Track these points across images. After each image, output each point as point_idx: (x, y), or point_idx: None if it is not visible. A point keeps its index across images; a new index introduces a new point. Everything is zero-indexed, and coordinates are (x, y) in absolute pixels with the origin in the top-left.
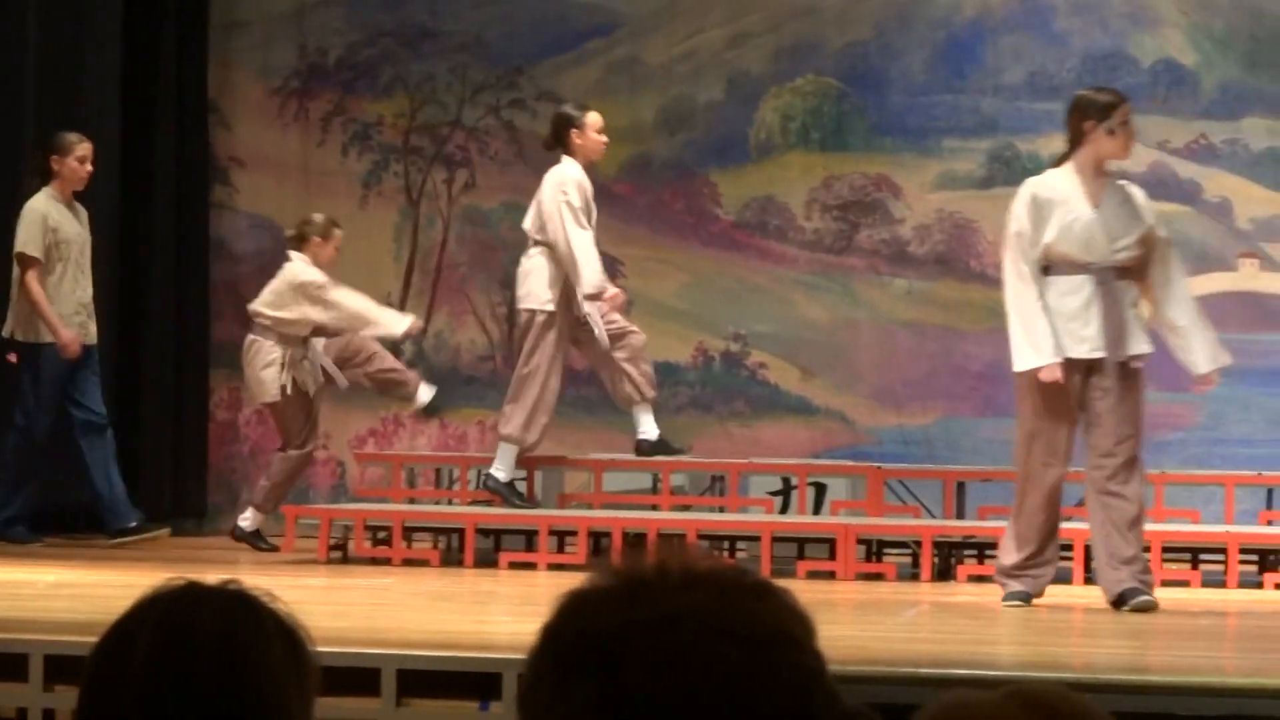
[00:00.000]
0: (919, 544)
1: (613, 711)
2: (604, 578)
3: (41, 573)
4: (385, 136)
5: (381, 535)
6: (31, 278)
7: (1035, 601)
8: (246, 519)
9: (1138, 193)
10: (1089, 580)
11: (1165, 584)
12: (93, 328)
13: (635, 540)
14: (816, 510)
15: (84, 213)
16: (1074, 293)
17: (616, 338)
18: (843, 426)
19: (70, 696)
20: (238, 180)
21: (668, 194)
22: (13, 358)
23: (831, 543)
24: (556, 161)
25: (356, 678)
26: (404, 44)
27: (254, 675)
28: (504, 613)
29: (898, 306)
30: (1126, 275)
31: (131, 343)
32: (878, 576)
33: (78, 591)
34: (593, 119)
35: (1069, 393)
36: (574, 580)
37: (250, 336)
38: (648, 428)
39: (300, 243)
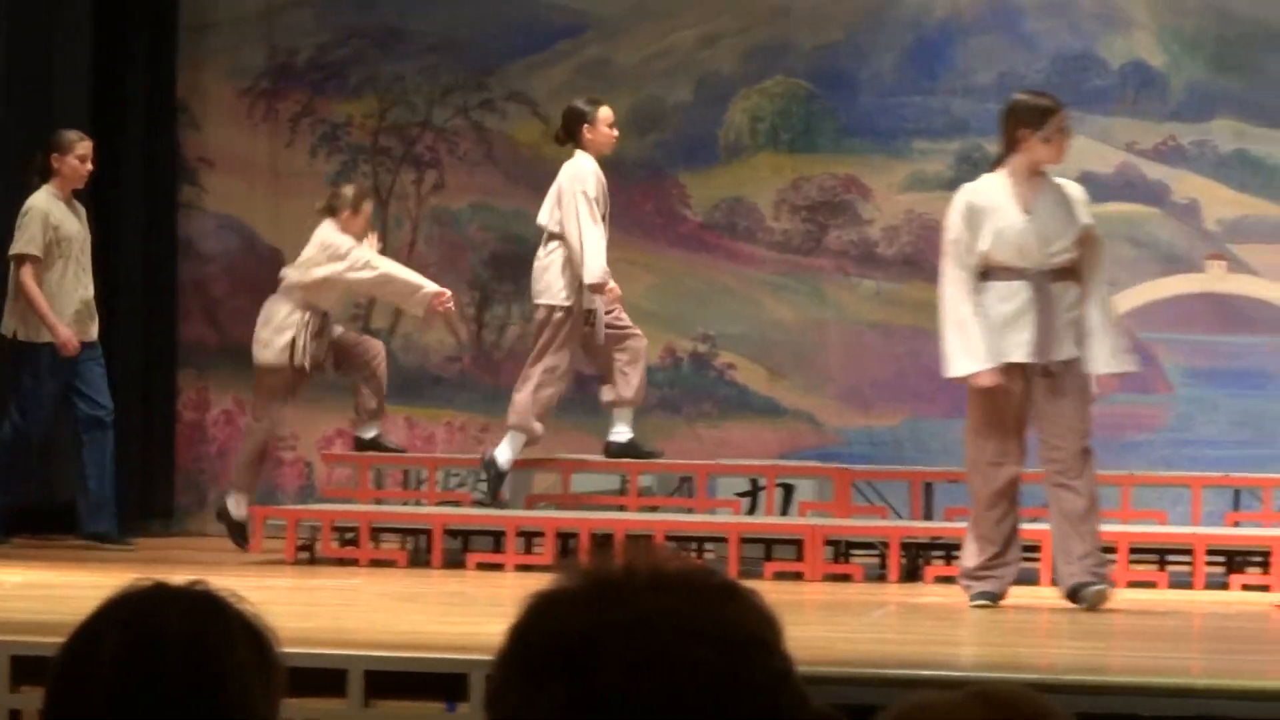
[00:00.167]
0: (886, 545)
1: (581, 713)
2: (572, 579)
3: (9, 573)
4: (354, 137)
5: (349, 536)
6: (27, 275)
7: (1001, 602)
8: (232, 502)
9: (1075, 192)
10: (1055, 581)
11: (1132, 585)
12: (94, 325)
13: (603, 541)
14: (784, 511)
15: (83, 210)
16: (1010, 298)
17: (620, 338)
18: (811, 427)
19: (36, 697)
20: (206, 181)
21: (637, 195)
22: None
23: (799, 544)
24: (569, 156)
25: (323, 678)
26: (373, 45)
27: (221, 676)
28: (471, 613)
29: (866, 308)
30: (1066, 277)
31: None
32: (845, 578)
33: (45, 592)
34: (604, 113)
35: (1013, 395)
36: (542, 581)
37: (273, 297)
38: (621, 430)
39: (331, 215)
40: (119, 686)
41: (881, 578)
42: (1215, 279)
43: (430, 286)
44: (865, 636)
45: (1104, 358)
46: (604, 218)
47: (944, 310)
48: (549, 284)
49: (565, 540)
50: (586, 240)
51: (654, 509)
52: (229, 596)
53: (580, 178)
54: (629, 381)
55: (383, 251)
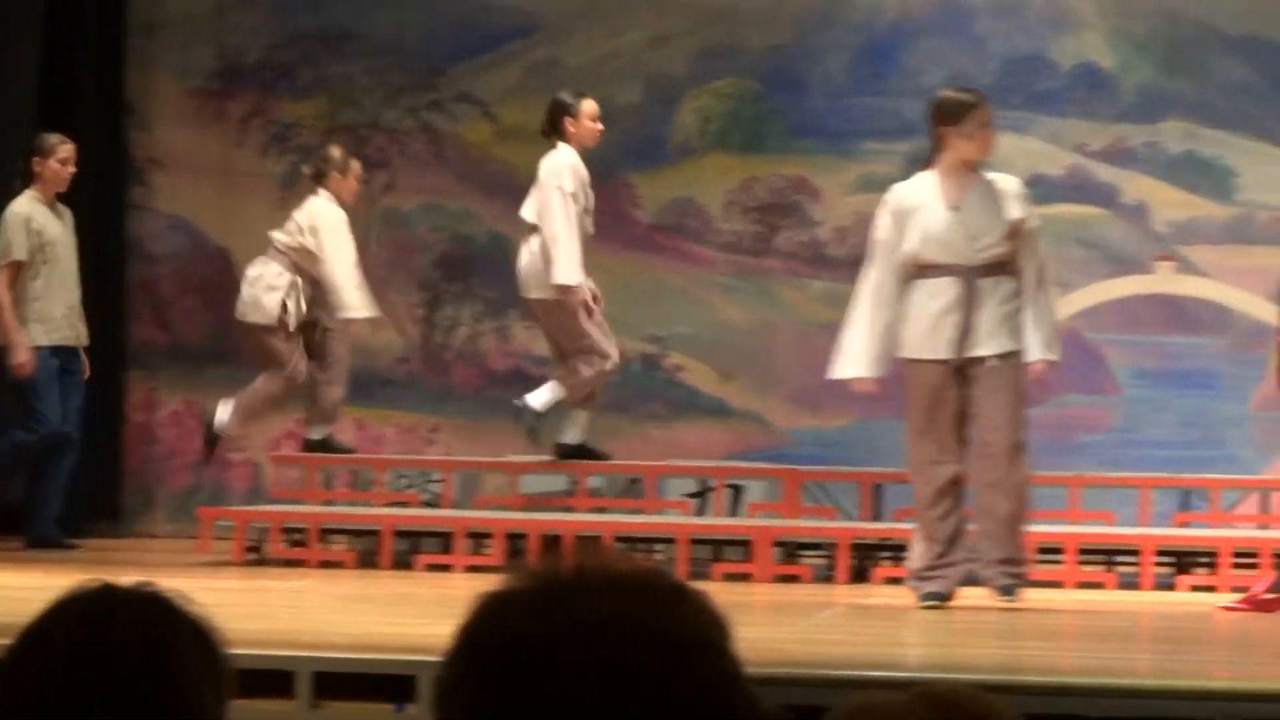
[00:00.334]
0: (835, 546)
1: (530, 715)
2: (521, 581)
3: None
4: (304, 138)
5: (297, 537)
6: (2, 282)
7: (950, 602)
8: (223, 408)
9: (1008, 186)
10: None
11: (1080, 585)
12: (83, 329)
13: (552, 543)
14: (733, 512)
15: (68, 214)
16: (939, 295)
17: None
18: (760, 428)
19: None
20: (156, 181)
21: None
22: None
23: (748, 545)
24: (552, 148)
25: (271, 680)
26: (323, 46)
27: (169, 677)
28: (420, 615)
29: (816, 308)
30: (998, 272)
31: None
32: (794, 579)
33: None
34: (588, 106)
35: (947, 393)
36: (491, 583)
37: (262, 257)
38: (573, 433)
39: (320, 180)
40: (67, 688)
41: (830, 579)
42: (1164, 280)
43: (353, 311)
44: (814, 637)
45: (1035, 346)
46: (587, 211)
47: (850, 310)
48: (536, 277)
49: (514, 542)
50: (560, 238)
51: (603, 510)
52: (177, 598)
53: (557, 172)
54: (586, 383)
55: None
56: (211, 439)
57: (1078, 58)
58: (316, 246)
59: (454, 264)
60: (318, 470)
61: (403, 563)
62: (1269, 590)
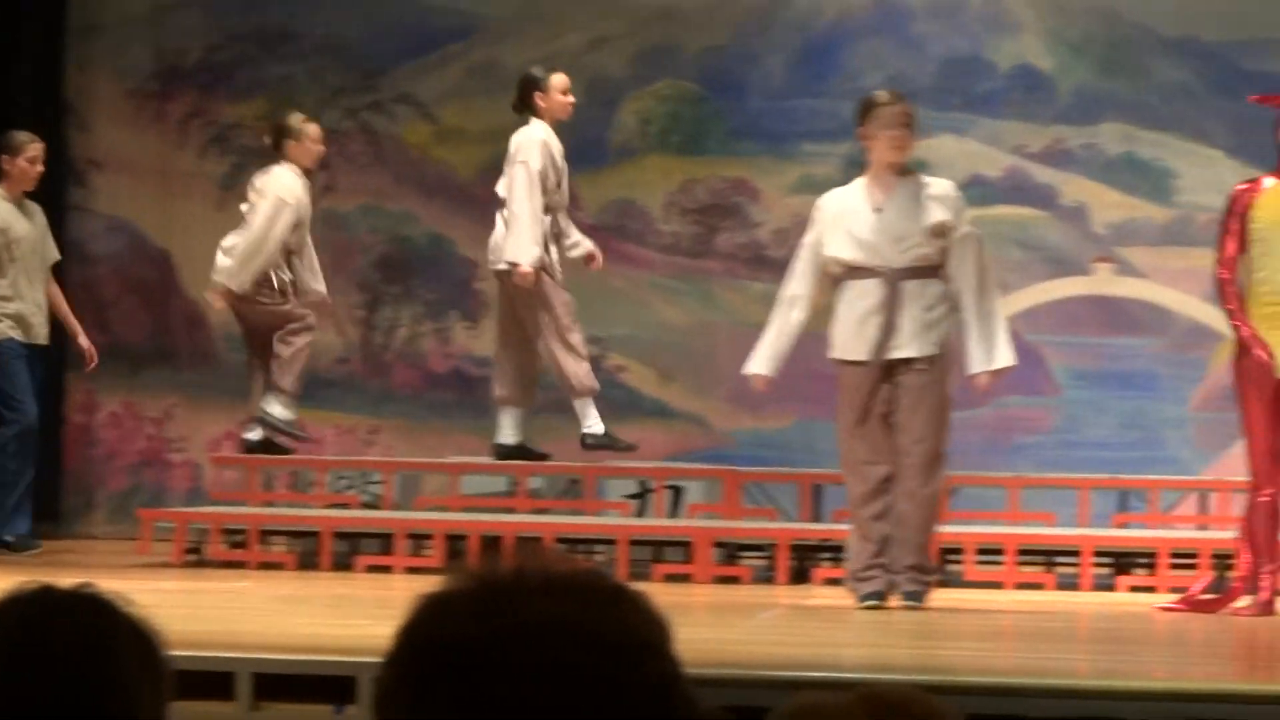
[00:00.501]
0: (775, 547)
1: (469, 717)
2: (461, 582)
3: None
4: (244, 139)
5: (237, 538)
6: None
7: (888, 601)
8: (277, 407)
9: (939, 189)
10: (942, 583)
11: (1020, 586)
12: (46, 329)
13: (492, 544)
14: (673, 513)
15: (38, 211)
16: (864, 297)
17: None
18: (700, 429)
19: None
20: (95, 182)
21: None
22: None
23: (688, 546)
24: (525, 124)
25: (211, 681)
26: (262, 46)
27: (108, 679)
28: (360, 616)
29: (755, 310)
30: (923, 275)
31: None
32: (734, 580)
33: None
34: (557, 80)
35: (873, 393)
36: (430, 584)
37: (235, 231)
38: (508, 433)
39: (279, 148)
40: (5, 690)
41: (770, 579)
42: (1103, 281)
43: (230, 282)
44: (754, 638)
45: (977, 358)
46: (559, 185)
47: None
48: (497, 251)
49: (454, 543)
50: (517, 218)
51: (543, 511)
52: (117, 599)
53: (524, 148)
54: (523, 380)
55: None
56: (282, 439)
57: (1016, 59)
58: (250, 213)
59: (393, 265)
60: (258, 471)
61: (343, 564)
62: (1207, 590)
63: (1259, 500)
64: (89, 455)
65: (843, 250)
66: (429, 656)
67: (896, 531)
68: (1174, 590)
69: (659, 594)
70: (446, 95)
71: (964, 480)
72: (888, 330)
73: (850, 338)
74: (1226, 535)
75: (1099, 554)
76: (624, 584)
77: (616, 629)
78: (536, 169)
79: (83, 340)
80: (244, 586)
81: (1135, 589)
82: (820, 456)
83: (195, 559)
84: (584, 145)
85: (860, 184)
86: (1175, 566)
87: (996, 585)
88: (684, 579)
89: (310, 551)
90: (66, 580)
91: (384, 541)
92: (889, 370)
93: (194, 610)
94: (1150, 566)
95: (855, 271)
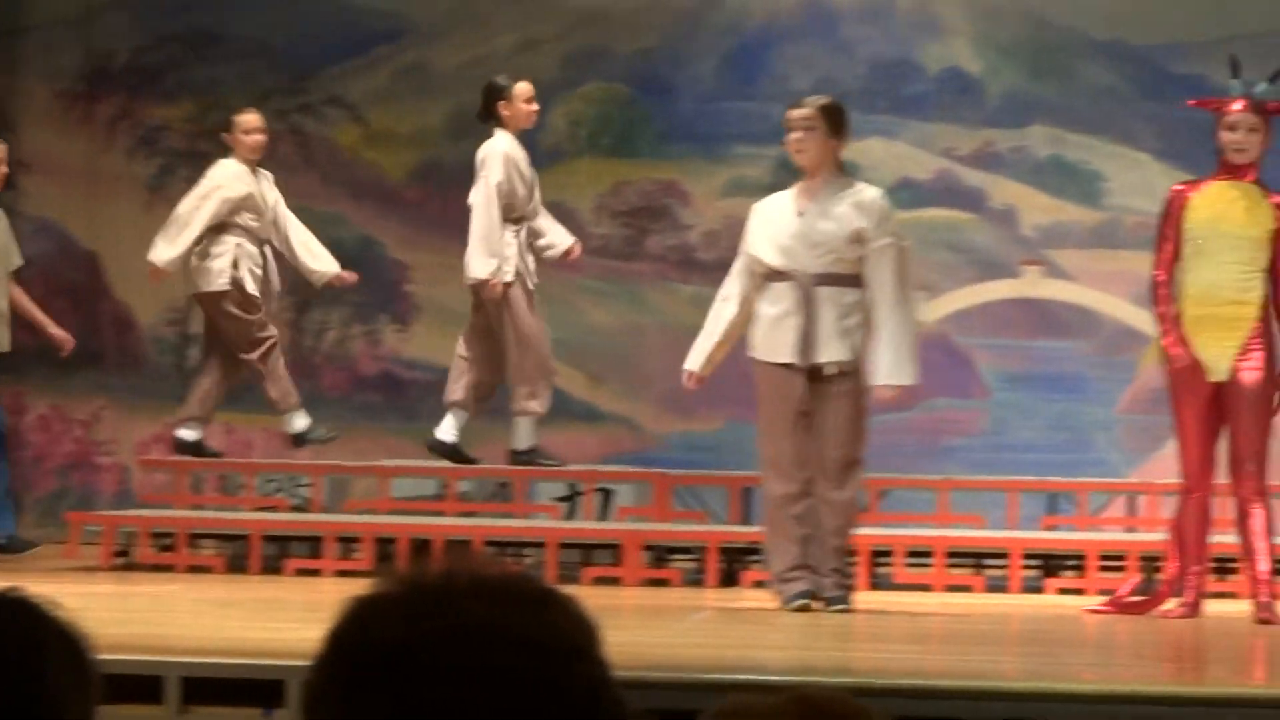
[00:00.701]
0: (705, 550)
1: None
2: (390, 585)
3: None
4: (172, 141)
5: (166, 542)
6: None
7: (815, 600)
8: (299, 422)
9: (865, 197)
10: (873, 586)
11: (949, 589)
12: (8, 334)
13: (421, 547)
14: (603, 516)
15: (2, 216)
16: (778, 300)
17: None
18: (630, 432)
19: None
20: (23, 184)
21: (456, 199)
22: None
23: (617, 549)
24: (489, 135)
25: (140, 685)
26: (191, 48)
27: (35, 683)
28: (289, 619)
29: (685, 312)
30: (841, 282)
31: None
32: (663, 582)
33: None
34: (521, 89)
35: (790, 394)
36: (360, 587)
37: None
38: (449, 432)
39: (225, 141)
40: None
41: (700, 582)
42: (1031, 284)
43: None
44: (684, 641)
45: (882, 369)
46: (529, 196)
47: None
48: (470, 261)
49: (383, 546)
50: (475, 234)
51: (472, 514)
52: (45, 603)
53: (487, 162)
54: (468, 384)
55: None
56: (299, 440)
57: (945, 63)
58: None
59: None
60: (186, 474)
61: (272, 567)
62: (1135, 592)
63: (1190, 502)
64: (16, 459)
65: (763, 252)
66: (358, 659)
67: (816, 536)
68: (1102, 592)
69: (588, 597)
70: (376, 97)
71: (893, 483)
72: (804, 334)
73: (766, 339)
74: (1155, 537)
75: (1028, 556)
76: (553, 587)
77: (545, 632)
78: (496, 183)
79: (54, 330)
80: (172, 590)
81: (1064, 591)
82: (750, 459)
83: (124, 562)
84: None
85: (792, 190)
86: (1104, 569)
87: (925, 588)
88: (613, 582)
89: (239, 554)
90: None
91: (313, 544)
92: (809, 375)
93: (122, 613)
94: (1079, 569)
95: (774, 274)
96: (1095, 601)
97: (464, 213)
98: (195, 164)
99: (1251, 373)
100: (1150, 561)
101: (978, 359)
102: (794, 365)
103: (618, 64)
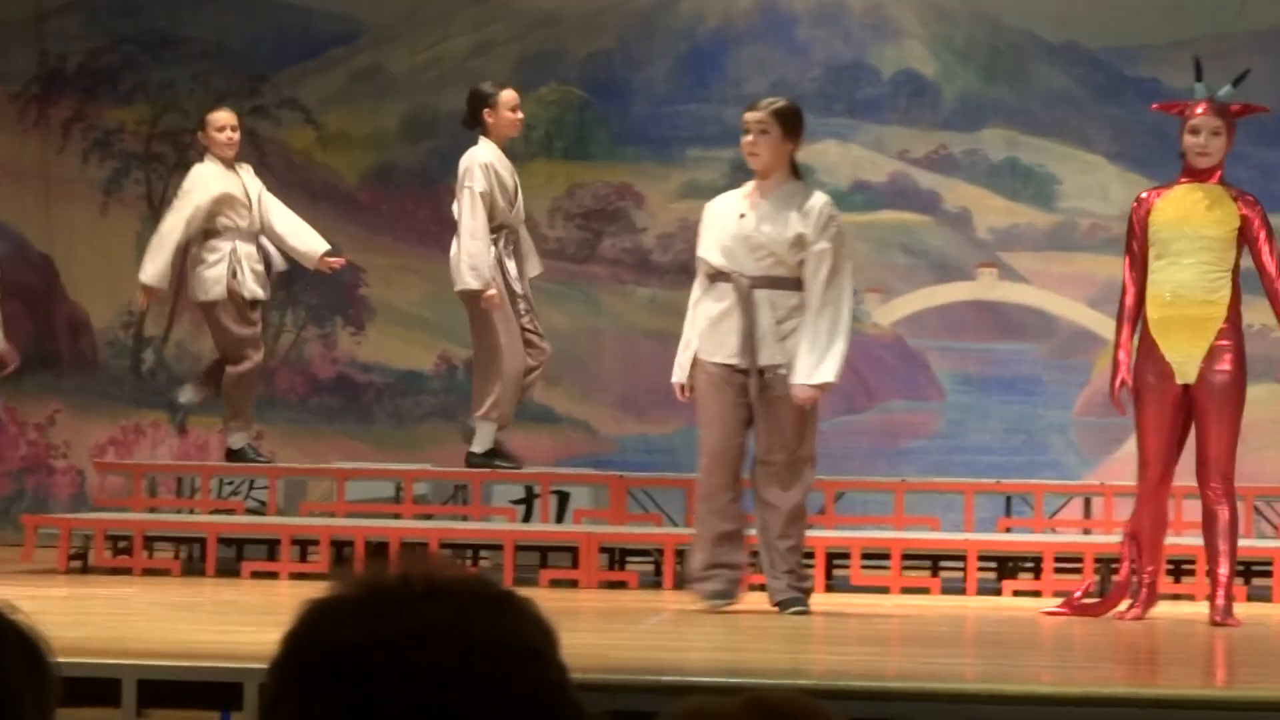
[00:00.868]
0: (661, 552)
1: None
2: (346, 588)
3: None
4: (126, 143)
5: (122, 545)
6: None
7: (733, 602)
8: (233, 438)
9: (812, 202)
10: (830, 588)
11: (905, 591)
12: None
13: (378, 549)
14: (559, 519)
15: None
16: (719, 301)
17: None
18: (585, 435)
19: None
20: None
21: (411, 202)
22: None
23: (574, 551)
24: (474, 142)
25: (97, 688)
26: (145, 51)
27: None
28: (246, 622)
29: (641, 315)
30: (779, 285)
31: None
32: (620, 585)
33: None
34: (506, 96)
35: (728, 394)
36: (316, 590)
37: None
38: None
39: (200, 147)
40: None
41: (656, 584)
42: (986, 287)
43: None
44: (641, 643)
45: (801, 370)
46: (511, 202)
47: None
48: (454, 271)
49: (340, 548)
50: (463, 245)
51: (429, 517)
52: (1, 606)
53: (468, 171)
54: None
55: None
56: (232, 455)
57: (899, 65)
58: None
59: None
60: (143, 477)
61: (228, 570)
62: (1090, 594)
63: (1148, 502)
64: None
65: (708, 253)
66: (314, 662)
67: (762, 538)
68: (1058, 594)
69: (545, 599)
70: (330, 100)
71: (849, 485)
72: (743, 336)
73: (706, 339)
74: (1111, 539)
75: (984, 558)
76: (510, 590)
77: (502, 635)
78: (479, 191)
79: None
80: (129, 592)
81: (1020, 593)
82: None
83: (80, 565)
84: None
85: (743, 191)
86: (1060, 570)
87: (882, 590)
88: (570, 584)
89: (195, 557)
90: None
91: (269, 547)
92: (751, 376)
93: (79, 617)
94: (1035, 571)
95: (718, 275)
96: (1052, 603)
97: (419, 216)
98: (150, 166)
99: (1220, 375)
100: (1106, 563)
101: (933, 361)
102: (733, 365)
103: (572, 67)
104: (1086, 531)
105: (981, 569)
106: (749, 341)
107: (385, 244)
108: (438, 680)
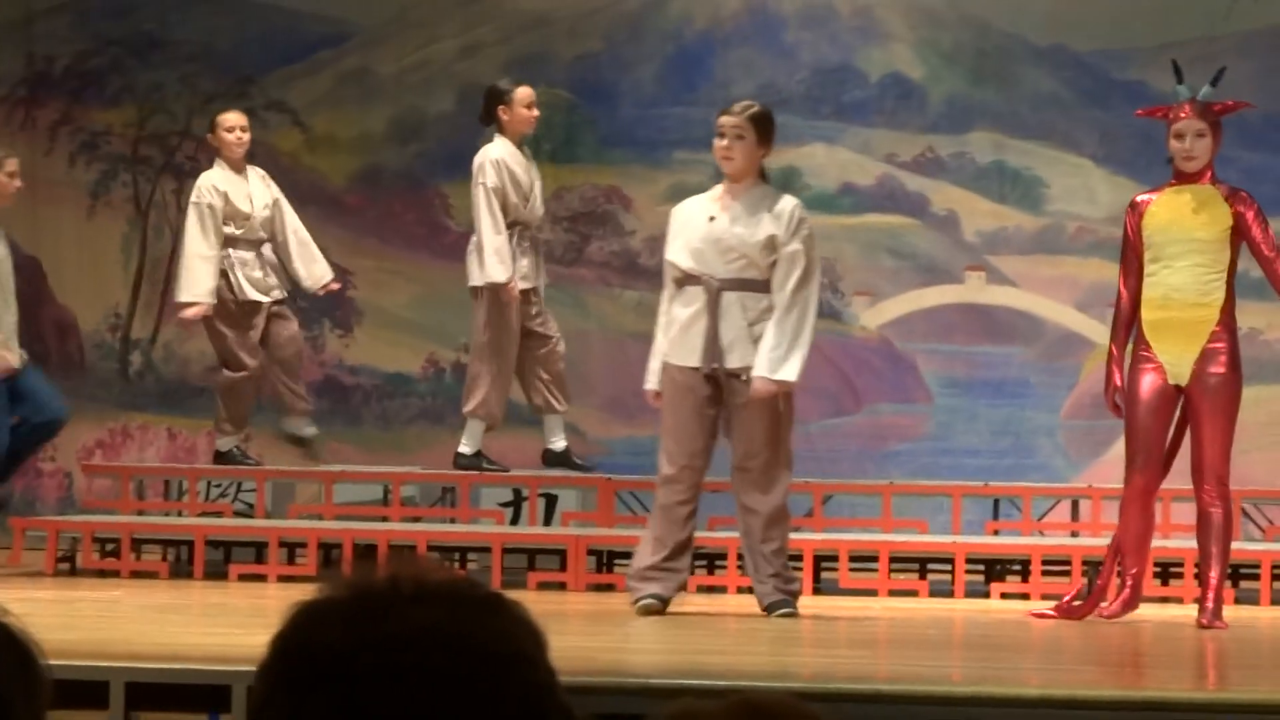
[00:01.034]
0: None
1: None
2: (335, 590)
3: None
4: (113, 146)
5: (110, 547)
6: None
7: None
8: (221, 441)
9: (781, 206)
10: (817, 591)
11: (893, 594)
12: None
13: (366, 552)
14: (547, 522)
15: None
16: (688, 304)
17: (539, 339)
18: (573, 437)
19: None
20: None
21: (399, 205)
22: None
23: (562, 554)
24: (489, 139)
25: (85, 690)
26: (132, 53)
27: None
28: (234, 625)
29: (628, 318)
30: (748, 288)
31: None
32: (609, 587)
33: None
34: (521, 93)
35: (694, 396)
36: (305, 592)
37: None
38: (557, 437)
39: (211, 149)
40: None
41: None
42: (974, 290)
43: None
44: (629, 646)
45: (763, 364)
46: (526, 198)
47: None
48: (470, 268)
49: (328, 551)
50: (483, 239)
51: (417, 519)
52: None
53: (480, 168)
54: (549, 385)
55: (143, 263)
56: (220, 457)
57: (887, 68)
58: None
59: None
60: (130, 480)
61: (216, 572)
62: (1077, 597)
63: (1134, 502)
64: None
65: (677, 256)
66: (303, 665)
67: (746, 542)
68: (1046, 597)
69: (533, 602)
70: (317, 102)
71: (837, 487)
72: (712, 339)
73: (675, 342)
74: (1099, 542)
75: (972, 561)
76: (498, 592)
77: (491, 637)
78: (491, 187)
79: None
80: (117, 595)
81: (1008, 596)
82: None
83: (68, 568)
84: (456, 154)
85: (713, 193)
86: (1048, 573)
87: (870, 593)
88: (558, 587)
89: (184, 560)
90: None
91: (258, 550)
92: (716, 379)
93: (67, 619)
94: (1023, 573)
95: (687, 278)
96: (1040, 606)
97: (406, 219)
98: (137, 169)
99: (1214, 376)
100: (1094, 566)
101: (921, 364)
102: (701, 368)
103: (559, 69)
104: (1074, 534)
105: (969, 571)
106: (713, 345)
107: (372, 247)
108: (426, 683)
